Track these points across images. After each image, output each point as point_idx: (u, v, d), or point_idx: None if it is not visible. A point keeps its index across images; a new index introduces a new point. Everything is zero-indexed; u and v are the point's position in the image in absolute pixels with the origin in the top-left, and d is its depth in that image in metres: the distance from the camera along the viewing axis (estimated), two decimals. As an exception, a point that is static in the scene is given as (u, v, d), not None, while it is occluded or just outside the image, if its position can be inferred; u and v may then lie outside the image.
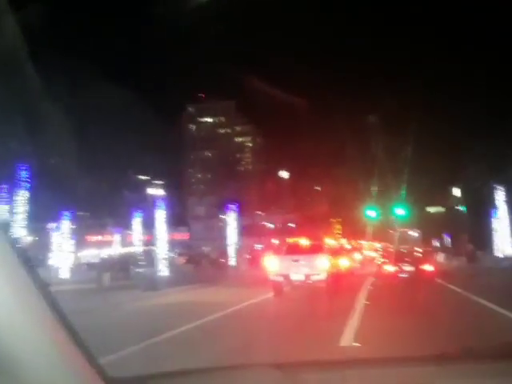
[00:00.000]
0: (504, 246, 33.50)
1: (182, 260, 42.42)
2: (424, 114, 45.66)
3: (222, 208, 41.61)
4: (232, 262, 37.03)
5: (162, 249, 30.88)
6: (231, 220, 36.92)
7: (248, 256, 41.03)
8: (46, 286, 1.18)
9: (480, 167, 35.42)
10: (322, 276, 14.43)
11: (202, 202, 54.71)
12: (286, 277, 14.61)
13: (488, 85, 39.26)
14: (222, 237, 45.66)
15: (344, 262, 21.83)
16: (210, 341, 7.47)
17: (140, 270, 26.93)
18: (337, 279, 15.86)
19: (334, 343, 6.58)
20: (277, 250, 20.83)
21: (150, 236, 34.84)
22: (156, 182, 42.26)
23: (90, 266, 35.20)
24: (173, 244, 50.91)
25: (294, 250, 16.30)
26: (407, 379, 1.52)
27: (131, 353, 6.24)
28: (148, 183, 38.39)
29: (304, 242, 17.88)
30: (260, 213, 55.76)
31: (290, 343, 6.78)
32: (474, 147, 36.04)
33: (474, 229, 35.27)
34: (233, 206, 36.68)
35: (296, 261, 14.85)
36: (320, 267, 14.59)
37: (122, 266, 28.97)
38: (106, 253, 40.16)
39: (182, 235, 54.99)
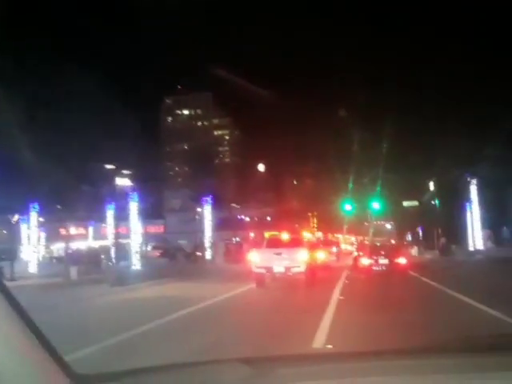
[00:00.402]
0: (476, 239, 33.78)
1: (156, 253, 41.60)
2: (399, 109, 45.65)
3: (199, 201, 40.90)
4: (208, 255, 36.41)
5: (134, 242, 30.07)
6: (207, 213, 36.25)
7: (224, 249, 40.41)
8: (4, 283, 1.14)
9: (453, 161, 35.57)
10: (302, 268, 15.16)
11: (178, 195, 53.76)
12: (269, 269, 15.27)
13: (461, 79, 39.45)
14: (198, 230, 45.20)
15: (321, 256, 22.41)
16: (171, 340, 6.97)
17: (112, 264, 26.08)
18: (315, 271, 16.63)
19: (308, 342, 6.33)
20: (258, 244, 21.60)
21: (124, 229, 34.07)
22: (129, 173, 41.15)
23: (59, 259, 34.16)
24: (148, 237, 50.13)
25: (276, 243, 16.93)
26: (382, 373, 1.44)
27: (88, 353, 5.73)
28: (122, 175, 37.30)
29: (285, 236, 18.62)
30: (237, 206, 55.15)
31: (262, 340, 6.56)
32: (448, 141, 36.17)
33: (448, 222, 35.43)
34: (209, 199, 35.97)
35: (278, 254, 15.51)
36: (300, 260, 15.31)
37: (92, 260, 28.07)
38: (75, 246, 39.00)
39: (158, 228, 54.14)
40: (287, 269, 15.19)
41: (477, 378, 1.37)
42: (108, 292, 14.15)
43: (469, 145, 35.00)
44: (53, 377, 1.13)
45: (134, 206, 29.82)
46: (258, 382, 1.37)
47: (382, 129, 41.98)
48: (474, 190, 34.66)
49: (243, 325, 8.12)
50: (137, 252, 29.67)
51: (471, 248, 31.25)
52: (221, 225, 52.81)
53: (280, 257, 15.46)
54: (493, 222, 34.56)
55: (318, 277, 16.39)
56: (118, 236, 36.07)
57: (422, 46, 78.30)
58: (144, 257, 37.97)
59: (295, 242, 16.94)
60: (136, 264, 29.56)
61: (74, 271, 19.63)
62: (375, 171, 41.74)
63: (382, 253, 20.54)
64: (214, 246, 39.45)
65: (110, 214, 34.95)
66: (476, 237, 33.44)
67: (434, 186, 38.64)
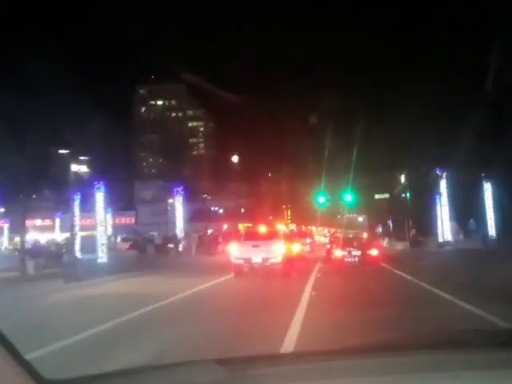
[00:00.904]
0: (445, 231, 33.68)
1: (125, 246, 40.22)
2: (371, 104, 45.37)
3: (171, 192, 39.75)
4: (180, 247, 35.33)
5: (101, 234, 28.81)
6: (179, 204, 35.14)
7: (198, 241, 39.36)
8: None
9: (424, 155, 35.32)
10: (279, 259, 15.92)
11: (150, 186, 52.19)
12: (247, 260, 16.06)
13: (433, 71, 39.13)
14: (169, 221, 44.23)
15: (296, 247, 23.11)
16: (105, 352, 5.88)
17: (74, 257, 24.78)
18: (291, 262, 17.24)
19: (279, 338, 5.98)
20: (232, 236, 22.86)
21: (93, 220, 32.63)
22: (90, 159, 39.53)
23: (20, 252, 32.43)
24: (119, 229, 48.69)
25: (254, 236, 17.54)
26: (357, 373, 1.40)
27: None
28: (83, 162, 35.76)
29: (262, 229, 19.03)
30: (210, 197, 54.12)
31: (220, 345, 5.88)
32: (419, 136, 35.89)
33: (418, 215, 35.25)
34: (180, 190, 34.84)
35: (256, 246, 16.23)
36: (277, 252, 16.08)
37: (53, 253, 26.65)
38: (36, 238, 37.25)
39: (129, 220, 52.69)
40: (265, 260, 15.92)
41: (441, 377, 1.32)
42: (60, 289, 12.96)
43: (439, 139, 34.80)
44: (21, 382, 1.09)
45: (100, 196, 28.52)
46: (233, 383, 1.32)
47: (355, 123, 41.65)
48: (443, 183, 34.54)
49: (204, 329, 7.09)
50: (103, 244, 28.42)
51: (441, 239, 31.09)
52: (194, 216, 51.85)
53: (258, 249, 16.12)
54: (461, 215, 34.55)
55: (293, 267, 16.90)
56: (85, 228, 34.68)
57: (392, 43, 78.32)
58: (113, 249, 36.70)
59: (272, 235, 17.57)
60: (102, 257, 28.33)
61: (31, 265, 18.33)
62: (348, 164, 41.49)
63: (355, 245, 20.44)
64: (187, 237, 38.49)
65: (76, 204, 33.43)
66: (445, 229, 33.34)
67: (405, 179, 38.42)
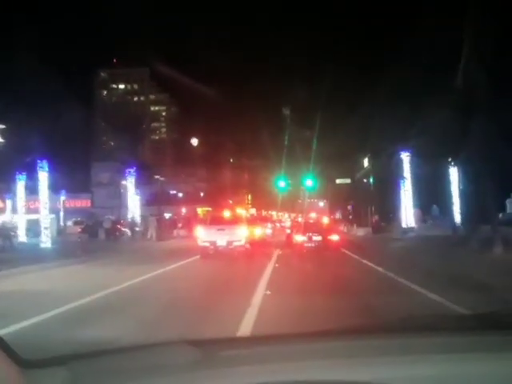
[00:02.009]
0: (409, 217, 32.04)
1: (77, 229, 36.62)
2: (333, 84, 43.04)
3: (130, 175, 36.41)
4: (134, 232, 32.20)
5: (45, 217, 25.39)
6: (131, 186, 31.86)
7: (155, 225, 36.27)
8: None
9: (388, 137, 33.38)
10: (242, 242, 16.63)
11: (107, 168, 48.20)
12: (213, 243, 16.48)
13: (400, 53, 37.12)
14: (125, 205, 41.27)
15: (259, 231, 23.95)
16: None
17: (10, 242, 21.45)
18: (253, 245, 17.98)
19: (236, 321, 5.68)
20: (195, 221, 23.08)
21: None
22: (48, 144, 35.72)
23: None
24: (74, 212, 44.91)
25: (219, 220, 17.92)
26: (330, 355, 1.36)
27: None
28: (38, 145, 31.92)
29: (227, 214, 19.48)
30: (169, 181, 50.85)
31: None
32: (384, 117, 33.93)
33: (381, 200, 33.39)
34: (134, 171, 31.51)
35: (221, 230, 16.74)
36: (240, 235, 16.73)
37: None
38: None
39: (85, 202, 48.84)
40: (229, 243, 16.48)
41: (411, 359, 1.28)
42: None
43: (404, 122, 32.95)
44: (1, 364, 1.07)
45: (43, 176, 25.00)
46: (206, 364, 1.30)
47: (317, 106, 39.57)
48: (407, 167, 32.79)
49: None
50: (46, 228, 25.03)
51: (404, 225, 29.33)
52: (151, 200, 48.56)
53: (223, 232, 16.64)
54: (424, 201, 32.95)
55: (255, 250, 17.41)
56: (34, 211, 30.97)
57: (356, 25, 76.25)
58: (63, 233, 33.17)
59: (236, 220, 18.21)
60: (46, 242, 24.98)
61: None
62: (309, 149, 39.60)
63: (315, 230, 19.64)
64: (143, 221, 35.47)
65: (19, 185, 29.67)
66: (408, 215, 31.69)
67: (369, 163, 36.49)
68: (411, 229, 29.93)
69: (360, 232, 32.53)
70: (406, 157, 33.37)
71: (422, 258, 14.33)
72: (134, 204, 33.95)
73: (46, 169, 25.08)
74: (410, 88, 35.15)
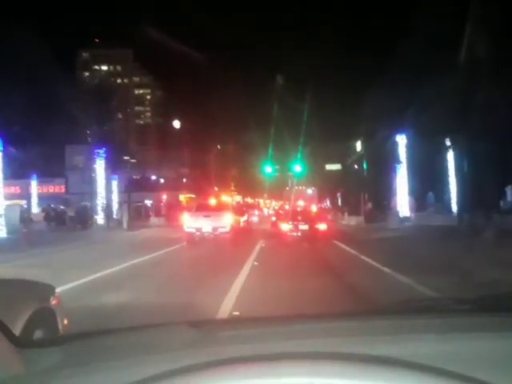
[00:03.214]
0: (403, 205, 29.65)
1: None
2: (323, 66, 40.37)
3: (110, 160, 33.48)
4: (112, 219, 29.34)
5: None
6: (102, 170, 28.81)
7: (131, 213, 33.41)
8: None
9: (383, 119, 30.77)
10: (227, 229, 16.78)
11: (83, 151, 44.74)
12: (199, 229, 16.69)
13: (392, 26, 34.39)
14: (106, 191, 38.48)
15: (245, 218, 24.50)
16: None
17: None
18: (238, 232, 18.29)
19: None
20: (177, 209, 23.34)
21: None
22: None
23: None
24: (47, 198, 41.74)
25: (205, 208, 18.31)
26: (326, 334, 1.34)
27: None
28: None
29: (212, 201, 20.37)
30: (150, 166, 47.83)
31: None
32: (376, 96, 31.30)
33: (375, 186, 30.84)
34: (103, 153, 28.44)
35: (206, 216, 16.93)
36: (225, 222, 16.95)
37: None
38: None
39: (59, 188, 45.65)
40: (214, 229, 16.64)
41: (412, 338, 1.26)
42: None
43: (400, 103, 30.37)
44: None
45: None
46: (206, 345, 1.27)
47: (306, 88, 36.96)
48: (402, 151, 30.32)
49: None
50: (0, 215, 22.10)
51: (401, 214, 26.88)
52: (131, 186, 45.61)
53: (208, 219, 16.83)
54: (420, 187, 30.50)
55: (241, 236, 17.65)
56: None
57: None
58: (26, 221, 30.19)
59: (222, 207, 18.85)
60: (1, 230, 22.13)
61: None
62: (298, 133, 37.14)
63: (302, 218, 18.66)
64: (120, 208, 32.70)
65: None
66: (403, 203, 29.30)
67: (362, 147, 33.87)
68: (407, 218, 27.55)
69: (352, 221, 30.02)
70: (401, 140, 30.90)
71: (436, 253, 11.83)
72: (108, 190, 30.98)
73: (1, 148, 22.02)
74: (407, 66, 32.52)
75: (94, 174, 30.13)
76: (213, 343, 1.28)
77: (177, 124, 44.81)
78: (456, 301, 2.13)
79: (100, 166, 28.65)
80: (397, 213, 26.56)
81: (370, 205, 29.77)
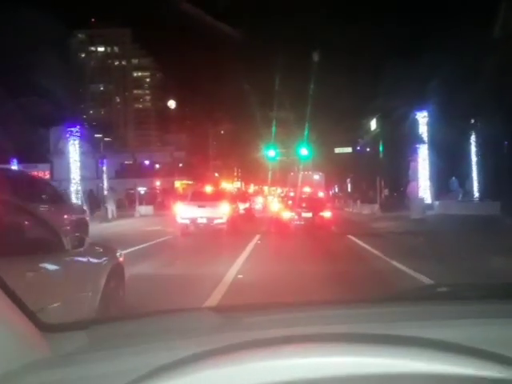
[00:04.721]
0: (424, 191, 26.00)
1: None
2: (333, 37, 36.49)
3: (99, 144, 30.25)
4: (103, 208, 26.03)
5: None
6: (75, 151, 25.26)
7: (119, 201, 30.11)
8: None
9: (400, 94, 26.95)
10: (224, 220, 15.65)
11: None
12: (193, 220, 15.63)
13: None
14: (94, 177, 35.51)
15: (245, 206, 23.35)
16: None
17: None
18: (236, 222, 17.04)
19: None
20: (178, 197, 21.74)
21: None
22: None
23: None
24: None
25: (200, 196, 17.27)
26: (346, 321, 1.32)
27: None
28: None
29: (208, 188, 19.35)
30: (142, 149, 44.41)
31: None
32: (394, 69, 27.51)
33: (392, 170, 27.09)
34: (77, 131, 24.84)
35: (201, 206, 15.79)
36: (222, 212, 15.78)
37: None
38: None
39: (42, 174, 42.31)
40: (210, 220, 15.60)
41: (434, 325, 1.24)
42: None
43: (420, 74, 26.58)
44: (23, 328, 1.10)
45: None
46: (228, 330, 1.27)
47: (311, 62, 33.30)
48: (423, 130, 26.58)
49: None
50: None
51: (425, 201, 23.20)
52: (122, 171, 42.29)
53: (203, 209, 15.77)
54: (442, 171, 26.80)
55: (237, 229, 16.14)
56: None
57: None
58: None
59: (218, 195, 17.58)
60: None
61: None
62: (304, 112, 33.73)
63: (308, 207, 17.14)
64: (109, 196, 29.32)
65: None
66: (424, 188, 25.66)
67: (377, 125, 30.05)
68: (429, 206, 23.88)
69: (365, 209, 26.37)
70: (422, 118, 27.12)
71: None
72: (98, 175, 27.61)
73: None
74: (430, 35, 28.60)
75: (76, 159, 26.55)
76: (240, 328, 1.27)
77: (172, 104, 41.11)
78: (471, 286, 2.02)
79: (72, 145, 25.03)
80: (421, 200, 22.82)
81: (386, 191, 26.05)
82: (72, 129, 24.49)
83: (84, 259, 3.64)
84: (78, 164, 25.68)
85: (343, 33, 37.77)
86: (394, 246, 10.72)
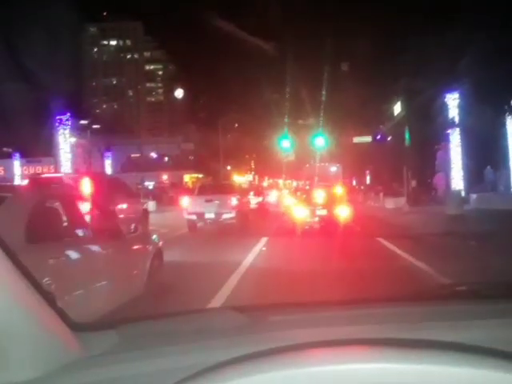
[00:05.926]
0: (455, 182, 22.96)
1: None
2: (352, 16, 33.52)
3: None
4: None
5: None
6: (67, 142, 22.81)
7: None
8: None
9: (427, 74, 23.82)
10: (233, 214, 14.83)
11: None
12: (200, 215, 14.80)
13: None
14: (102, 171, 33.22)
15: (259, 200, 22.41)
16: None
17: None
18: (246, 218, 16.13)
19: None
20: (185, 191, 20.91)
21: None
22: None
23: None
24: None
25: (208, 190, 16.31)
26: (369, 321, 1.30)
27: None
28: None
29: (217, 183, 19.64)
30: (148, 141, 42.06)
31: None
32: (418, 48, 24.48)
33: (420, 160, 24.02)
34: (67, 119, 22.35)
35: (209, 201, 14.97)
36: (231, 207, 14.94)
37: None
38: None
39: (47, 169, 40.34)
40: (218, 215, 14.75)
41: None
42: None
43: (450, 51, 23.51)
44: (53, 326, 1.07)
45: None
46: (252, 330, 1.28)
47: (328, 42, 30.51)
48: (454, 114, 23.48)
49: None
50: None
51: (463, 194, 20.20)
52: (128, 165, 40.01)
53: (211, 203, 14.84)
54: (475, 161, 23.73)
55: (246, 226, 15.00)
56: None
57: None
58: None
59: (227, 189, 16.43)
60: None
61: None
62: (320, 99, 31.08)
63: (324, 201, 14.92)
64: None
65: None
66: (456, 179, 22.62)
67: (402, 108, 26.93)
68: (463, 199, 20.83)
69: (389, 204, 23.39)
70: (452, 100, 23.99)
71: None
72: (102, 169, 25.31)
73: None
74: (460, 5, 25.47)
75: (68, 151, 24.14)
76: (261, 328, 1.28)
77: (179, 93, 38.62)
78: (491, 285, 1.89)
79: (62, 134, 22.57)
80: (458, 193, 19.75)
81: (413, 183, 23.04)
82: (61, 117, 21.98)
83: (137, 245, 5.01)
84: (70, 158, 23.25)
85: (361, 6, 34.80)
86: (444, 256, 7.88)
